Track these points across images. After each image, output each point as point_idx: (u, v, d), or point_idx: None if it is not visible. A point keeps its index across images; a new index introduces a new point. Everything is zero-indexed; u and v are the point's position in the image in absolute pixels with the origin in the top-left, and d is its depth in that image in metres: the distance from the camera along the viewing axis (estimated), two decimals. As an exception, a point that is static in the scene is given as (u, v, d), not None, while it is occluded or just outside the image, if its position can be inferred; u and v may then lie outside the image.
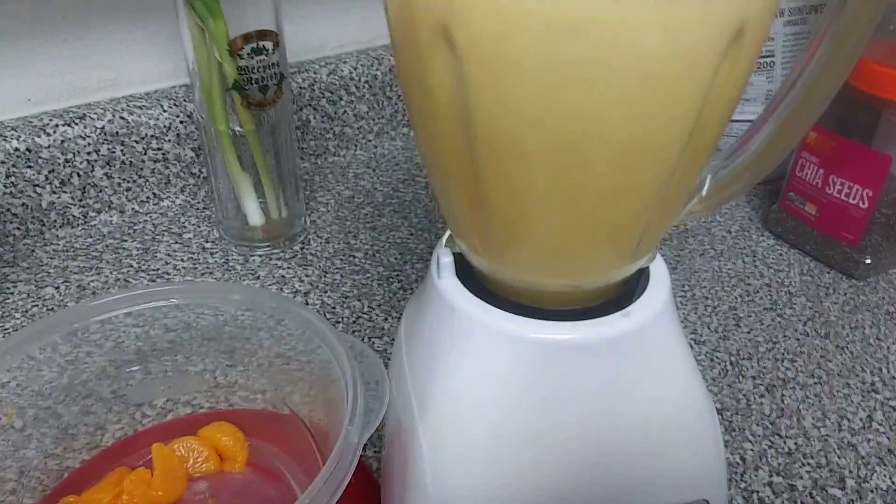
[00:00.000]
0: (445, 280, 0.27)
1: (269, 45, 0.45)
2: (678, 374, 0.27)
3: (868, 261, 0.51)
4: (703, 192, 0.26)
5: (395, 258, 0.52)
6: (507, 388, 0.25)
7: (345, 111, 0.63)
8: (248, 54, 0.44)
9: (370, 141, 0.66)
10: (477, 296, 0.26)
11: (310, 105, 0.60)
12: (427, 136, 0.24)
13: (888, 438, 0.40)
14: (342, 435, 0.27)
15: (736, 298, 0.50)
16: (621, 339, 0.25)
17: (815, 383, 0.43)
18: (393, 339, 0.43)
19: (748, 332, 0.47)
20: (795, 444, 0.40)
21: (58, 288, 0.48)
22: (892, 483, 0.37)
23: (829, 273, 0.53)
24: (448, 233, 0.29)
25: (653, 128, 0.21)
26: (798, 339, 0.47)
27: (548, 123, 0.20)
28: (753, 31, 0.20)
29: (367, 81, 0.63)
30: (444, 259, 0.27)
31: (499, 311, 0.25)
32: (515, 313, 0.25)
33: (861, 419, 0.41)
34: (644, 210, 0.23)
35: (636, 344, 0.25)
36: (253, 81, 0.45)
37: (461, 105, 0.21)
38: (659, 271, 0.28)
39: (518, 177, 0.22)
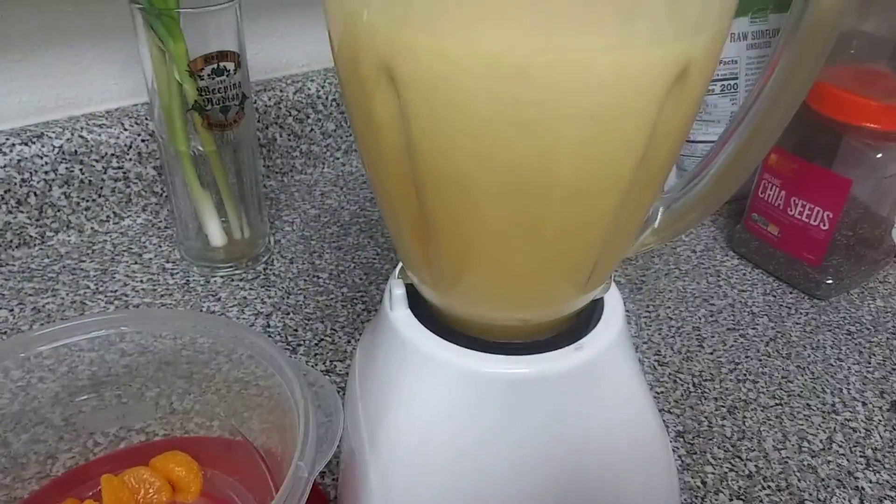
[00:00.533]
0: (398, 312, 0.27)
1: (230, 65, 0.44)
2: (632, 406, 0.27)
3: (829, 281, 0.51)
4: (656, 224, 0.26)
5: (360, 279, 0.52)
6: (458, 422, 0.25)
7: (312, 129, 0.62)
8: (208, 75, 0.44)
9: (338, 159, 0.65)
10: (429, 328, 0.26)
11: (276, 123, 0.60)
12: (374, 167, 0.23)
13: (847, 461, 0.40)
14: (291, 469, 0.26)
15: (700, 318, 0.50)
16: (574, 373, 0.25)
17: (777, 404, 0.44)
18: (347, 372, 0.42)
19: (711, 353, 0.47)
20: (756, 466, 0.40)
21: (12, 311, 0.47)
22: (851, 506, 0.38)
23: (791, 293, 0.53)
24: (401, 264, 0.28)
25: (601, 164, 0.21)
26: (760, 360, 0.47)
27: (494, 161, 0.20)
28: (698, 71, 0.20)
29: (334, 100, 0.62)
30: (397, 291, 0.27)
31: (451, 344, 0.25)
32: (468, 347, 0.25)
33: (821, 440, 0.42)
34: (595, 244, 0.23)
35: (589, 377, 0.25)
36: (214, 102, 0.44)
37: (406, 141, 0.21)
38: (613, 302, 0.27)
39: (465, 212, 0.21)
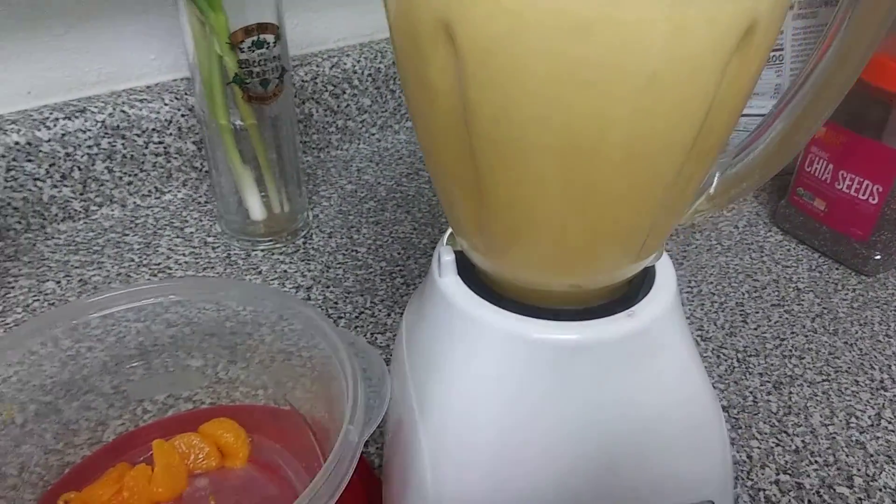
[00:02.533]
0: (446, 278, 0.27)
1: (270, 38, 0.44)
2: (684, 375, 0.26)
3: (878, 256, 0.50)
4: (712, 190, 0.25)
5: (399, 253, 0.52)
6: (508, 388, 0.25)
7: (348, 105, 0.62)
8: (248, 48, 0.44)
9: (373, 135, 0.65)
10: (478, 294, 0.26)
11: (312, 98, 0.60)
12: (427, 133, 0.23)
13: (897, 437, 0.40)
14: (342, 434, 0.26)
15: (743, 294, 0.49)
16: (626, 340, 0.24)
17: (824, 380, 0.43)
18: (395, 335, 0.42)
19: (755, 329, 0.47)
20: (803, 441, 0.39)
21: (59, 282, 0.48)
22: (901, 483, 0.37)
23: (837, 269, 0.52)
24: (450, 230, 0.28)
25: (660, 128, 0.20)
26: (806, 336, 0.46)
27: (552, 122, 0.20)
28: (764, 30, 0.19)
29: (370, 75, 0.62)
30: (446, 257, 0.27)
31: (500, 310, 0.25)
32: (517, 313, 0.25)
33: (870, 417, 0.41)
34: (650, 209, 0.23)
35: (641, 345, 0.25)
36: (254, 75, 0.45)
37: (463, 103, 0.20)
38: (665, 270, 0.27)
39: (519, 175, 0.21)
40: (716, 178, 0.25)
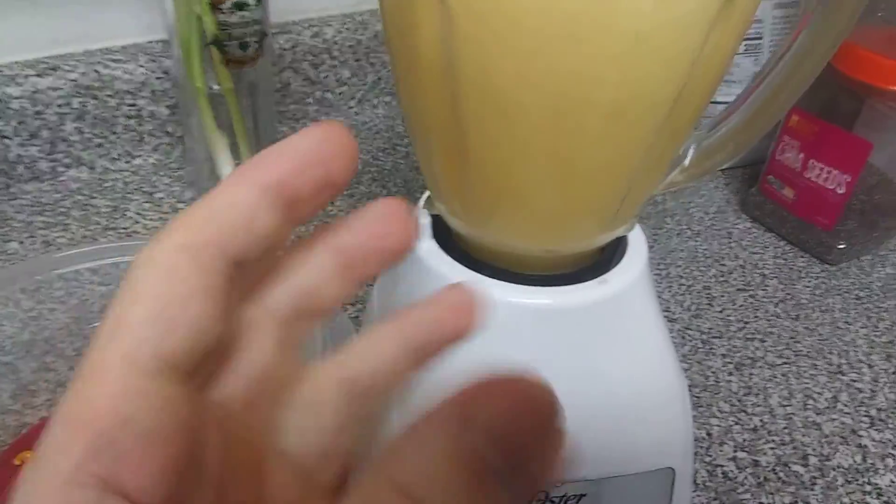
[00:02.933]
0: (423, 242, 0.27)
1: (251, 0, 0.43)
2: (651, 343, 0.27)
3: (841, 246, 0.51)
4: (686, 162, 0.26)
5: (373, 226, 0.51)
6: (480, 351, 0.25)
7: (327, 76, 0.61)
8: (229, 9, 0.43)
9: (351, 108, 0.65)
10: (453, 258, 0.26)
11: (291, 67, 0.59)
12: (411, 92, 0.23)
13: (852, 419, 0.41)
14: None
15: (710, 278, 0.50)
16: (597, 307, 0.25)
17: (784, 363, 0.44)
18: (364, 306, 0.42)
19: (720, 312, 0.47)
20: (761, 421, 0.40)
21: (22, 243, 0.47)
22: (854, 462, 0.38)
23: (802, 257, 0.53)
24: (426, 194, 0.28)
25: (642, 89, 0.20)
26: (769, 320, 0.47)
27: (537, 80, 0.20)
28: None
29: (350, 46, 0.61)
30: (422, 220, 0.27)
31: (475, 273, 0.25)
32: (492, 277, 0.25)
33: (826, 399, 0.42)
34: (628, 174, 0.23)
35: (611, 312, 0.25)
36: (233, 38, 0.44)
37: (449, 59, 0.20)
38: (637, 241, 0.27)
39: (504, 135, 0.21)
40: (691, 151, 0.26)
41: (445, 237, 0.27)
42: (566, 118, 0.20)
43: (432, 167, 0.25)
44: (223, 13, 0.43)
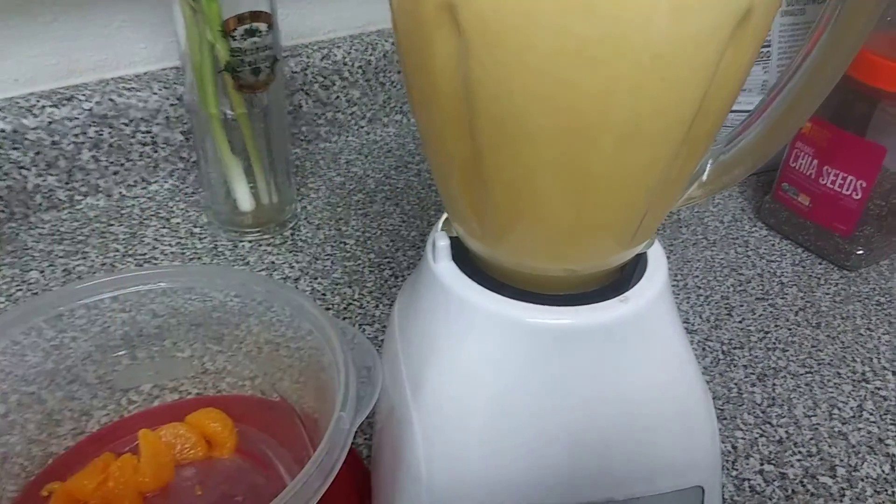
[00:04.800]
0: (441, 264, 0.27)
1: (262, 26, 0.44)
2: (675, 360, 0.27)
3: (860, 251, 0.51)
4: (704, 178, 0.26)
5: (387, 245, 0.52)
6: (502, 372, 0.25)
7: (337, 96, 0.62)
8: (241, 36, 0.43)
9: (362, 127, 0.65)
10: (473, 280, 0.26)
11: (302, 90, 0.60)
12: (427, 114, 0.23)
13: (878, 427, 0.40)
14: (333, 421, 0.26)
15: (728, 288, 0.50)
16: (618, 325, 0.25)
17: (807, 373, 0.44)
18: (384, 327, 0.42)
19: (740, 322, 0.47)
20: (787, 432, 0.40)
21: (42, 272, 0.47)
22: (882, 472, 0.38)
23: (821, 264, 0.53)
24: (444, 216, 0.28)
25: (659, 109, 0.20)
26: (790, 329, 0.47)
27: (554, 101, 0.20)
28: (759, 16, 0.20)
29: (360, 67, 0.62)
30: (441, 242, 0.27)
31: (495, 295, 0.25)
32: (512, 297, 0.25)
33: (852, 408, 0.41)
34: (646, 193, 0.23)
35: (633, 330, 0.25)
36: (245, 63, 0.44)
37: (464, 82, 0.20)
38: (657, 257, 0.27)
39: (521, 156, 0.21)
40: (708, 166, 0.26)
41: (464, 258, 0.27)
42: (582, 139, 0.20)
43: (449, 188, 0.25)
44: (235, 40, 0.43)
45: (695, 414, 0.27)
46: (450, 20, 0.19)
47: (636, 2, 0.18)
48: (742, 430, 0.40)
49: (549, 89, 0.19)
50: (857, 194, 0.49)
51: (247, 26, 0.43)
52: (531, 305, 0.24)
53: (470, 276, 0.26)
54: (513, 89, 0.20)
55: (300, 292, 0.34)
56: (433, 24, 0.20)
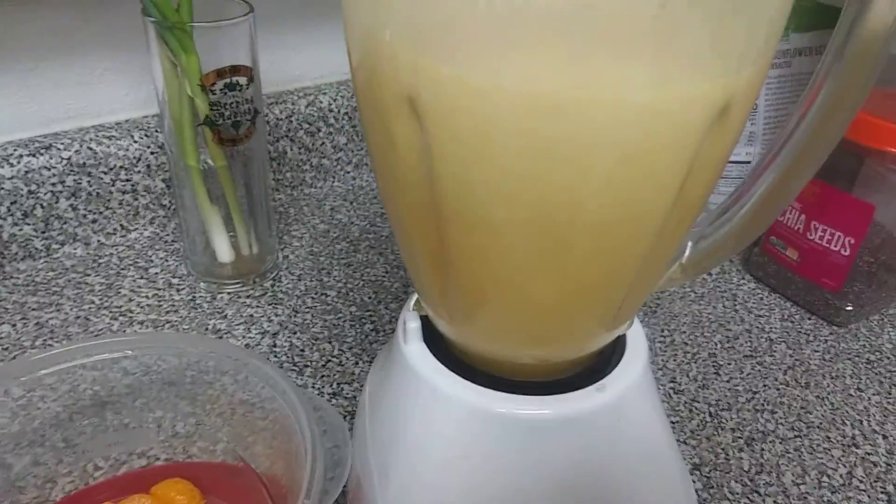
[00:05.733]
0: (412, 346, 0.26)
1: (242, 80, 0.43)
2: (653, 447, 0.25)
3: (849, 307, 0.50)
4: (684, 260, 0.25)
5: (370, 297, 0.51)
6: (472, 462, 0.24)
7: (323, 143, 0.61)
8: (220, 90, 0.43)
9: (348, 173, 0.65)
10: (444, 363, 0.25)
11: (287, 136, 0.59)
12: (392, 201, 0.23)
13: (868, 496, 0.39)
14: (299, 508, 0.25)
15: (716, 345, 0.49)
16: (596, 415, 0.24)
17: (796, 436, 0.42)
18: (362, 385, 0.41)
19: (728, 381, 0.46)
20: (775, 502, 0.38)
21: (14, 325, 0.46)
22: (874, 547, 0.36)
23: (810, 319, 0.52)
24: (416, 295, 0.27)
25: (634, 201, 0.20)
26: (778, 389, 0.46)
27: (520, 196, 0.19)
28: (738, 108, 0.19)
29: (346, 113, 0.61)
30: (411, 324, 0.26)
31: (466, 382, 0.24)
32: (484, 384, 0.24)
33: (841, 476, 0.40)
34: (623, 280, 0.22)
35: (611, 418, 0.24)
36: (225, 117, 0.44)
37: (427, 171, 0.20)
38: (636, 338, 0.26)
39: (486, 246, 0.21)
40: (688, 248, 0.25)
41: (436, 339, 0.26)
42: (552, 232, 0.20)
43: (416, 270, 0.24)
44: (214, 94, 0.43)
45: (675, 499, 0.26)
46: (411, 114, 0.18)
47: (604, 105, 0.17)
48: (729, 499, 0.38)
49: (515, 185, 0.19)
50: (845, 250, 0.48)
51: (227, 80, 0.42)
52: (503, 395, 0.23)
53: (441, 360, 0.25)
54: (477, 183, 0.19)
55: (270, 363, 0.33)
56: (394, 114, 0.19)
